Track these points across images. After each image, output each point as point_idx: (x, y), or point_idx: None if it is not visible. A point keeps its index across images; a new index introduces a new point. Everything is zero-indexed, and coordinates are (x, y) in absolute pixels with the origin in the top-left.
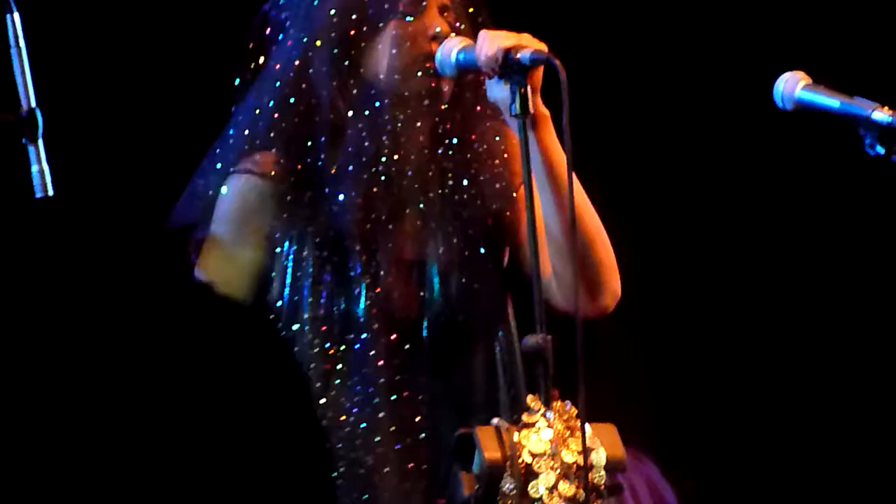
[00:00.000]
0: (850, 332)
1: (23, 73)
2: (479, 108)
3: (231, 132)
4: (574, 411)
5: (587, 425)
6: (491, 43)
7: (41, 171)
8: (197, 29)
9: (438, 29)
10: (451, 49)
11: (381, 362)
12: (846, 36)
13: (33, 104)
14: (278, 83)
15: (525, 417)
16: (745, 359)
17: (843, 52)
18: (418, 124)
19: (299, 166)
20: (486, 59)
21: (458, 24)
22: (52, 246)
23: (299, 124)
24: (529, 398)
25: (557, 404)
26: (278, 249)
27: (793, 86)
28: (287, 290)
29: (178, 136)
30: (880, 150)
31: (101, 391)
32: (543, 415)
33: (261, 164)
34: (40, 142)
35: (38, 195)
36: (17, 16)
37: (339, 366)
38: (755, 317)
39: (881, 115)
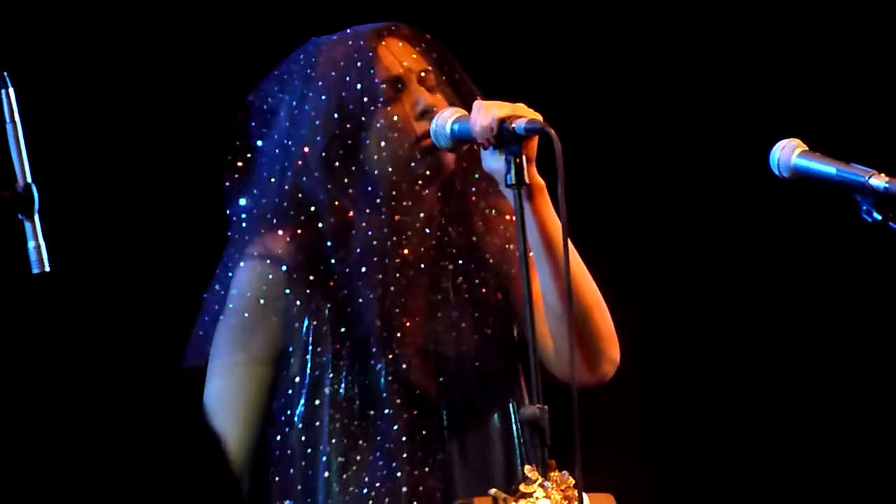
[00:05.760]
0: (839, 398)
1: (18, 148)
2: (477, 181)
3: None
4: (571, 481)
5: (585, 495)
6: (486, 113)
7: (38, 247)
8: (191, 101)
9: (424, 104)
10: (445, 120)
11: (403, 437)
12: (842, 102)
13: (29, 179)
14: (277, 199)
15: (522, 487)
16: (745, 428)
17: (839, 118)
18: (421, 214)
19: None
20: (480, 130)
21: (437, 86)
22: (48, 323)
23: (303, 234)
24: (527, 468)
25: (555, 474)
26: (296, 325)
27: (788, 153)
28: (308, 366)
29: (177, 209)
30: (878, 216)
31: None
32: (541, 485)
33: (270, 246)
34: (36, 217)
35: (35, 271)
36: (11, 91)
37: (361, 441)
38: (754, 384)
39: (878, 181)
